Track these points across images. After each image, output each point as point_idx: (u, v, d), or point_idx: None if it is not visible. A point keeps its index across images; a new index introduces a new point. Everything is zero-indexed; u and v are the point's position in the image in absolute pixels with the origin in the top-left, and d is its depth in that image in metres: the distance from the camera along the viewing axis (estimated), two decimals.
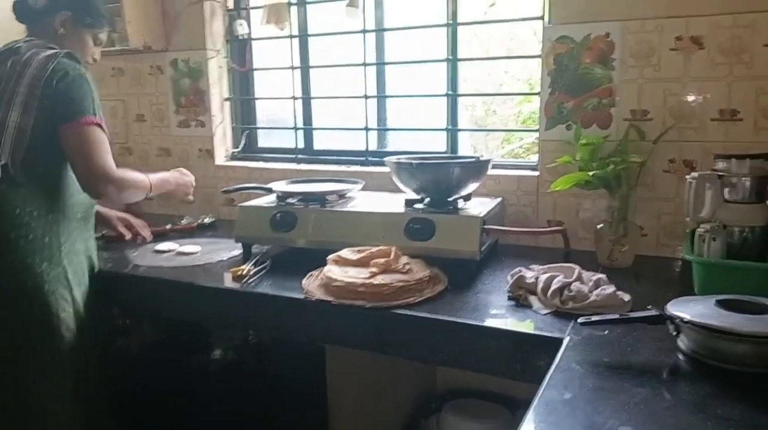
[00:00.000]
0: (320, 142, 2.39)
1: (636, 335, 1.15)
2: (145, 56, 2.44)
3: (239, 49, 2.43)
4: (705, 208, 1.38)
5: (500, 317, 1.31)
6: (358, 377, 1.76)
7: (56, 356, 1.56)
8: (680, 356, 1.07)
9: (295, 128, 2.37)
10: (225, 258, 1.81)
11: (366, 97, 2.19)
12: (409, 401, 2.06)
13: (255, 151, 2.51)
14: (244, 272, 1.60)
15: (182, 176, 1.91)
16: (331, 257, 1.53)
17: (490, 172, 1.77)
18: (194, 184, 1.95)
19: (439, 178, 1.68)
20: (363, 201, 1.84)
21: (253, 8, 2.35)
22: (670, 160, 1.70)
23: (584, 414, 0.87)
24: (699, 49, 1.62)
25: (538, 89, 1.86)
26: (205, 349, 1.98)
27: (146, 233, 1.97)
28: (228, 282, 1.61)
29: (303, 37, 2.30)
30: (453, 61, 2.04)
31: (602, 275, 1.38)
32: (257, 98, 2.50)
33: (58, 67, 1.53)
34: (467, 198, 1.75)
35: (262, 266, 1.66)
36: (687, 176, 1.43)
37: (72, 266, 1.61)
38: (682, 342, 1.08)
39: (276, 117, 2.54)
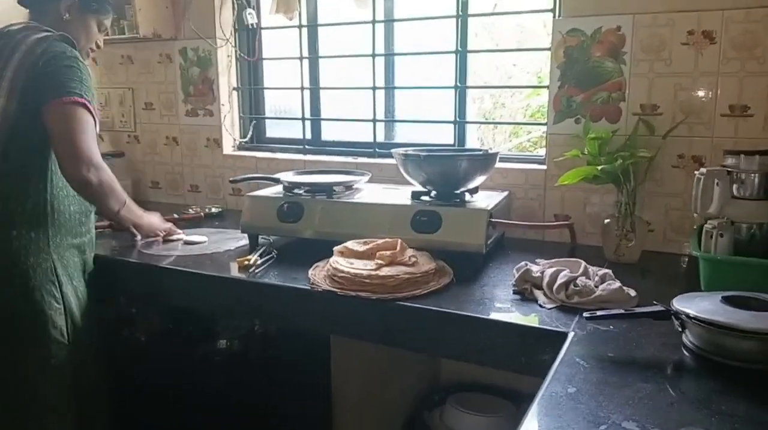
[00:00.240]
0: (328, 132, 2.39)
1: (641, 331, 1.14)
2: (154, 44, 2.45)
3: (248, 39, 2.42)
4: (713, 204, 1.37)
5: (505, 311, 1.31)
6: (362, 368, 1.77)
7: (48, 353, 1.53)
8: (685, 352, 1.07)
9: (303, 119, 2.37)
10: (232, 248, 1.81)
11: (374, 88, 2.19)
12: (413, 393, 2.07)
13: (263, 142, 2.51)
14: (251, 262, 1.60)
15: (155, 222, 1.86)
16: (337, 248, 1.53)
17: (498, 165, 1.77)
18: (162, 233, 1.88)
19: (447, 170, 1.68)
20: (370, 193, 1.84)
21: None
22: (679, 155, 1.69)
23: (588, 408, 0.87)
24: (711, 43, 1.61)
25: (546, 82, 1.85)
26: (211, 338, 1.99)
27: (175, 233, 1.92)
28: (234, 272, 1.61)
29: (312, 27, 2.30)
30: (462, 53, 2.03)
31: (608, 270, 1.38)
32: (266, 88, 2.50)
33: (47, 50, 1.48)
34: (474, 191, 1.74)
35: (268, 256, 1.67)
36: (695, 172, 1.42)
37: (62, 262, 1.56)
38: (688, 338, 1.08)
39: (284, 107, 2.54)
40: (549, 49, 1.81)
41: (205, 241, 1.88)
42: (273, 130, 2.54)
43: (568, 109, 1.80)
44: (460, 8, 2.00)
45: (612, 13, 1.70)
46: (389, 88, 2.23)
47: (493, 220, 1.58)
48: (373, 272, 1.39)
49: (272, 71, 2.48)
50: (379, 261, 1.43)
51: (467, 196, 1.71)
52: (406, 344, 1.40)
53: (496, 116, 2.77)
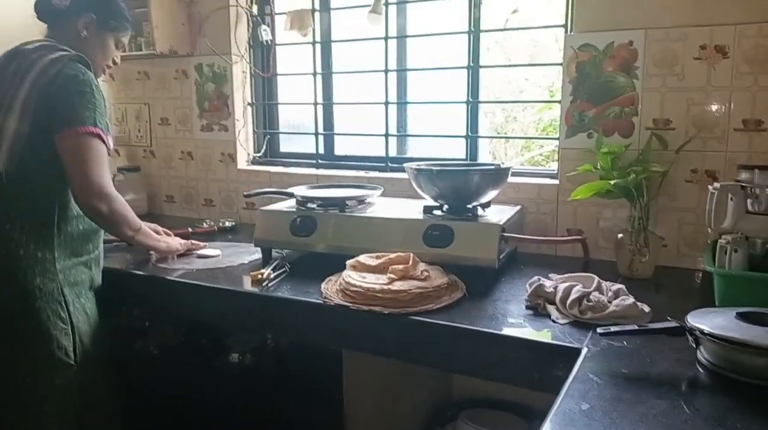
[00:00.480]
0: (341, 147, 2.41)
1: (655, 347, 1.14)
2: (170, 60, 2.49)
3: (263, 55, 2.46)
4: (727, 219, 1.36)
5: (518, 326, 1.31)
6: (374, 382, 1.77)
7: (52, 374, 1.52)
8: (700, 369, 1.06)
9: (316, 134, 2.39)
10: (245, 262, 1.83)
11: (387, 103, 2.20)
12: (425, 408, 2.06)
13: (276, 156, 2.53)
14: (264, 276, 1.61)
15: (173, 244, 1.86)
16: (349, 262, 1.54)
17: (510, 179, 1.77)
18: (180, 251, 1.89)
19: (459, 185, 1.68)
20: (382, 207, 1.85)
21: (277, 14, 2.38)
22: (693, 170, 1.68)
23: (602, 425, 0.87)
24: (723, 58, 1.61)
25: (558, 96, 1.85)
26: (223, 351, 2.00)
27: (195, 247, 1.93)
28: (247, 286, 1.62)
29: (326, 43, 2.33)
30: (474, 68, 2.05)
31: (622, 286, 1.38)
32: (279, 103, 2.52)
33: (61, 72, 1.48)
34: (486, 205, 1.75)
35: (281, 270, 1.68)
36: (709, 187, 1.41)
37: (69, 280, 1.55)
38: (702, 354, 1.07)
39: (298, 122, 2.57)
40: (561, 64, 1.82)
41: (218, 254, 1.90)
42: (286, 144, 2.56)
43: (581, 123, 1.80)
44: (472, 24, 2.01)
45: (624, 28, 1.70)
46: (402, 103, 2.24)
47: (505, 234, 1.58)
48: (386, 287, 1.39)
49: (286, 87, 2.51)
50: (392, 275, 1.44)
51: (479, 211, 1.72)
52: (419, 359, 1.40)
53: (507, 130, 2.78)
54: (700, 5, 1.61)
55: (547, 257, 1.84)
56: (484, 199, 1.72)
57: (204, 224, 2.30)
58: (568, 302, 1.31)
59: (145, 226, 1.74)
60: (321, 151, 2.40)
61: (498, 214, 1.70)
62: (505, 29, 2.11)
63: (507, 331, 1.28)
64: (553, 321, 1.30)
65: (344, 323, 1.43)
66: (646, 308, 1.29)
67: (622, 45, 1.71)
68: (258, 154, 2.51)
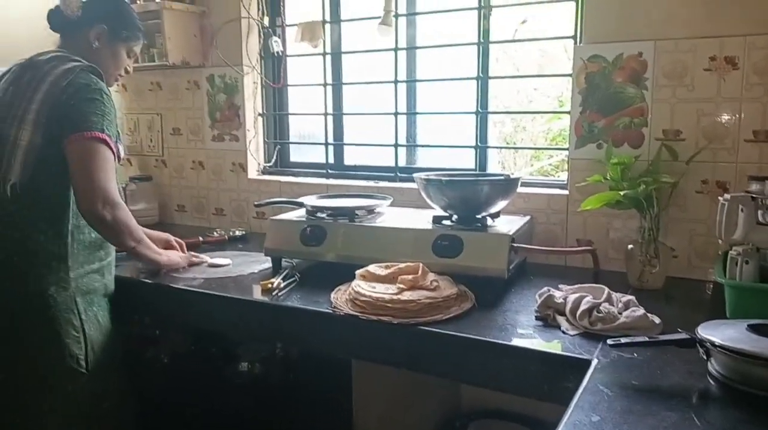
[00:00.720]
0: (350, 157, 2.42)
1: (666, 358, 1.13)
2: (182, 71, 2.52)
3: (274, 66, 2.48)
4: (738, 230, 1.36)
5: (528, 337, 1.30)
6: (383, 392, 1.77)
7: (63, 382, 1.53)
8: (711, 381, 1.05)
9: (326, 143, 2.40)
10: (255, 271, 1.84)
11: (396, 113, 2.22)
12: (434, 418, 2.05)
13: (286, 166, 2.55)
14: (274, 285, 1.62)
15: (174, 257, 1.85)
16: (359, 271, 1.54)
17: (519, 190, 1.77)
18: (182, 264, 1.87)
19: (468, 195, 1.69)
20: (391, 217, 1.86)
21: (288, 26, 2.40)
22: (703, 181, 1.68)
23: None
24: (733, 69, 1.61)
25: (567, 106, 1.86)
26: (233, 360, 2.00)
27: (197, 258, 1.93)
28: (258, 295, 1.63)
29: (336, 54, 2.34)
30: (483, 79, 2.05)
31: (632, 297, 1.37)
32: (290, 114, 2.54)
33: (72, 82, 1.49)
34: (495, 216, 1.75)
35: (291, 279, 1.69)
36: (720, 198, 1.41)
37: (81, 289, 1.56)
38: (713, 367, 1.07)
39: (308, 132, 2.58)
40: (570, 75, 1.82)
41: (229, 263, 1.91)
42: (297, 154, 2.58)
43: (590, 134, 1.80)
44: (481, 35, 2.02)
45: (633, 39, 1.71)
46: (411, 113, 2.25)
47: (515, 245, 1.58)
48: (395, 297, 1.40)
49: (296, 97, 2.53)
50: (401, 285, 1.44)
51: (489, 221, 1.72)
52: (428, 369, 1.40)
53: (517, 140, 2.79)
54: (709, 17, 1.62)
55: (557, 268, 1.84)
56: (493, 210, 1.72)
57: (215, 233, 2.31)
58: (578, 313, 1.31)
59: (147, 239, 1.72)
60: (331, 161, 2.41)
61: (507, 224, 1.71)
62: (514, 41, 2.12)
63: (516, 342, 1.28)
64: (563, 332, 1.30)
65: (353, 333, 1.44)
66: (657, 320, 1.28)
67: (631, 56, 1.72)
68: (268, 164, 2.53)
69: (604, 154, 1.73)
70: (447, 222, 1.73)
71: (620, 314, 1.29)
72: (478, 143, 2.10)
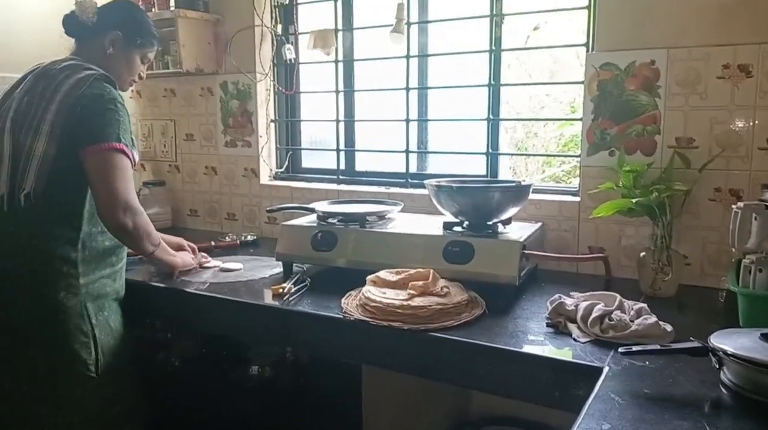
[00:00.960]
0: (362, 163, 2.43)
1: (678, 367, 1.13)
2: (196, 78, 2.54)
3: (286, 73, 2.50)
4: (751, 238, 1.35)
5: (538, 344, 1.30)
6: (394, 397, 1.77)
7: (74, 386, 1.55)
8: (723, 390, 1.05)
9: (338, 150, 2.41)
10: (266, 275, 1.85)
11: (408, 120, 2.22)
12: (444, 424, 2.05)
13: (298, 172, 2.57)
14: (285, 290, 1.63)
15: (187, 260, 1.89)
16: (369, 277, 1.55)
17: (531, 196, 1.77)
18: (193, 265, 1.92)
19: (479, 202, 1.69)
20: (402, 223, 1.86)
21: (300, 33, 2.42)
22: (716, 188, 1.67)
23: None
24: (747, 77, 1.60)
25: (579, 112, 1.85)
26: (243, 364, 2.02)
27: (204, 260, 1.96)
28: (268, 299, 1.64)
29: (348, 61, 2.36)
30: (495, 86, 2.06)
31: (644, 305, 1.36)
32: (302, 120, 2.56)
33: (86, 93, 1.51)
34: (507, 222, 1.75)
35: (302, 284, 1.69)
36: (733, 206, 1.40)
37: (92, 296, 1.58)
38: (726, 376, 1.06)
39: (319, 138, 2.60)
40: (582, 82, 1.82)
41: (240, 268, 1.92)
42: (308, 160, 2.59)
43: (602, 141, 1.80)
44: (493, 43, 2.03)
45: (646, 47, 1.71)
46: (422, 120, 2.26)
47: (526, 251, 1.58)
48: (405, 302, 1.40)
49: (308, 104, 2.55)
50: (411, 291, 1.45)
51: (500, 228, 1.72)
52: (438, 375, 1.40)
53: (528, 145, 2.78)
54: (722, 25, 1.61)
55: (568, 275, 1.83)
56: (504, 216, 1.72)
57: (227, 237, 2.33)
58: (590, 320, 1.31)
59: (164, 244, 1.75)
60: (342, 166, 2.43)
61: (519, 231, 1.70)
62: (526, 48, 2.12)
63: (527, 349, 1.28)
64: (574, 339, 1.30)
65: (364, 338, 1.44)
66: (669, 328, 1.28)
67: (644, 64, 1.71)
68: (280, 170, 2.55)
69: (617, 161, 1.73)
70: (458, 228, 1.73)
71: (632, 321, 1.28)
72: (490, 150, 2.10)
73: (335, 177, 2.42)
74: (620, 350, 1.14)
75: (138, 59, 1.74)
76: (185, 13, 2.35)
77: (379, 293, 1.46)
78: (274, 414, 1.90)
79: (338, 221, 1.85)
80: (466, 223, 1.73)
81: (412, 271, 1.53)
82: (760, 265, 1.31)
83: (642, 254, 1.64)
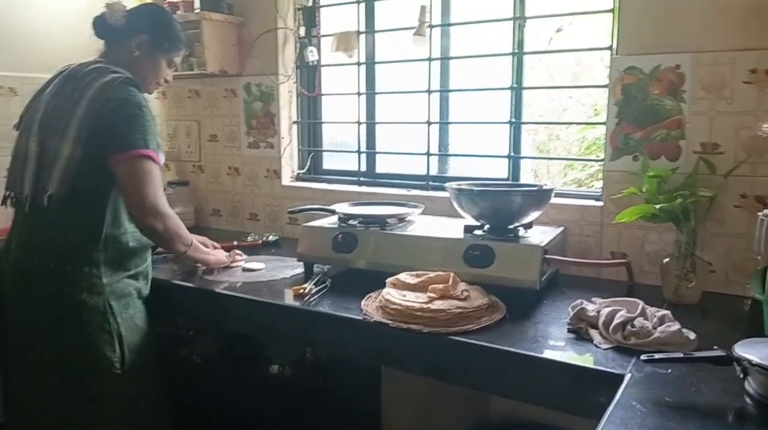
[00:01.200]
0: (382, 165, 2.44)
1: (701, 375, 1.11)
2: (220, 80, 2.57)
3: (309, 75, 2.52)
4: None
5: (559, 350, 1.29)
6: (412, 399, 1.77)
7: (100, 383, 1.58)
8: (747, 400, 1.03)
9: (359, 152, 2.42)
10: (288, 276, 1.86)
11: (429, 122, 2.23)
12: (463, 427, 2.05)
13: (319, 173, 2.58)
14: (305, 291, 1.64)
15: (221, 258, 1.93)
16: (389, 279, 1.55)
17: (553, 200, 1.76)
18: (226, 263, 1.95)
19: (500, 205, 1.69)
20: (422, 225, 1.86)
21: (323, 36, 2.44)
22: (742, 195, 1.64)
23: None
24: None
25: (603, 114, 1.84)
26: (263, 363, 2.03)
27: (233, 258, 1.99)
28: (289, 300, 1.65)
29: (370, 64, 2.37)
30: (517, 89, 2.05)
31: (667, 312, 1.35)
32: (324, 122, 2.58)
33: (112, 97, 1.53)
34: (528, 226, 1.74)
35: (322, 285, 1.71)
36: (759, 213, 1.38)
37: (116, 295, 1.60)
38: (750, 385, 1.04)
39: (341, 140, 2.61)
40: (606, 86, 1.81)
41: (262, 268, 1.94)
42: (329, 162, 2.61)
43: (626, 146, 1.78)
44: (516, 46, 2.02)
45: (671, 51, 1.69)
46: (443, 123, 2.26)
47: (547, 256, 1.58)
48: (425, 305, 1.40)
49: (330, 106, 2.56)
50: (431, 294, 1.45)
51: (521, 232, 1.71)
52: (457, 379, 1.40)
53: (550, 148, 2.76)
54: (749, 29, 1.59)
55: (590, 280, 1.82)
56: (526, 220, 1.71)
57: (249, 237, 2.35)
58: (612, 326, 1.29)
59: (195, 239, 1.79)
60: (363, 168, 2.44)
61: (540, 235, 1.70)
62: (550, 51, 2.11)
63: (548, 354, 1.27)
64: (596, 346, 1.29)
65: (383, 341, 1.45)
66: (692, 336, 1.26)
67: (668, 68, 1.70)
68: (302, 171, 2.57)
69: (640, 166, 1.71)
70: (479, 232, 1.73)
71: (654, 329, 1.27)
72: (512, 153, 2.09)
73: (356, 179, 2.43)
74: (642, 357, 1.13)
75: (164, 63, 1.77)
76: (210, 16, 2.38)
77: (399, 295, 1.47)
78: (293, 414, 1.91)
79: (359, 222, 1.86)
80: (487, 226, 1.73)
81: (432, 274, 1.53)
82: None
83: (665, 260, 1.62)
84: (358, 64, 2.36)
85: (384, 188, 2.32)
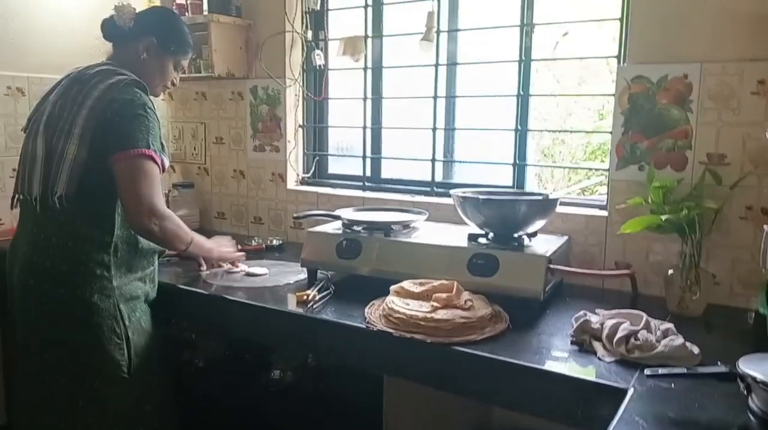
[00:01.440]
0: (387, 170, 2.44)
1: (704, 391, 1.11)
2: (227, 83, 2.58)
3: (315, 79, 2.52)
4: None
5: (562, 362, 1.29)
6: (415, 408, 1.77)
7: (108, 385, 1.59)
8: (751, 417, 1.03)
9: (364, 156, 2.42)
10: (291, 281, 1.86)
11: (434, 128, 2.22)
12: None
13: (324, 177, 2.58)
14: (309, 297, 1.64)
15: (224, 252, 1.93)
16: (393, 287, 1.55)
17: (558, 209, 1.76)
18: (233, 258, 1.96)
19: (505, 214, 1.68)
20: (427, 232, 1.86)
21: (330, 40, 2.44)
22: (748, 207, 1.64)
23: None
24: None
25: (608, 118, 1.83)
26: (265, 368, 2.04)
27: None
28: (292, 306, 1.65)
29: (377, 68, 2.37)
30: (524, 96, 2.05)
31: (671, 325, 1.34)
32: (329, 126, 2.58)
33: (117, 98, 1.53)
34: (533, 235, 1.74)
35: (326, 291, 1.71)
36: (765, 225, 1.37)
37: (125, 297, 1.61)
38: (754, 402, 1.04)
39: (346, 144, 2.61)
40: (613, 95, 1.80)
41: (266, 273, 1.94)
42: (335, 166, 2.61)
43: (632, 155, 1.78)
44: (522, 53, 2.02)
45: (679, 61, 1.68)
46: (449, 129, 2.26)
47: (552, 266, 1.57)
48: (429, 315, 1.40)
49: (336, 110, 2.56)
50: (435, 303, 1.45)
51: (526, 240, 1.71)
52: (459, 389, 1.40)
53: (555, 152, 2.76)
54: (758, 39, 1.58)
55: (594, 290, 1.81)
56: (530, 229, 1.71)
57: (253, 241, 2.36)
58: (615, 339, 1.29)
59: (197, 236, 1.79)
60: (368, 173, 2.44)
61: (545, 244, 1.69)
62: (556, 59, 2.11)
63: (551, 366, 1.27)
64: (599, 358, 1.28)
65: (386, 349, 1.44)
66: (696, 350, 1.26)
67: (676, 78, 1.69)
68: (307, 175, 2.57)
69: (646, 176, 1.71)
70: (483, 240, 1.72)
71: (658, 342, 1.26)
72: (517, 160, 2.09)
73: (361, 184, 2.43)
74: (646, 372, 1.12)
75: (171, 66, 1.76)
76: (218, 18, 2.38)
77: (403, 304, 1.47)
78: (295, 419, 1.91)
79: (363, 229, 1.85)
80: (492, 235, 1.72)
81: (436, 282, 1.53)
82: None
83: (670, 271, 1.62)
84: (365, 68, 2.35)
85: (388, 194, 2.32)
